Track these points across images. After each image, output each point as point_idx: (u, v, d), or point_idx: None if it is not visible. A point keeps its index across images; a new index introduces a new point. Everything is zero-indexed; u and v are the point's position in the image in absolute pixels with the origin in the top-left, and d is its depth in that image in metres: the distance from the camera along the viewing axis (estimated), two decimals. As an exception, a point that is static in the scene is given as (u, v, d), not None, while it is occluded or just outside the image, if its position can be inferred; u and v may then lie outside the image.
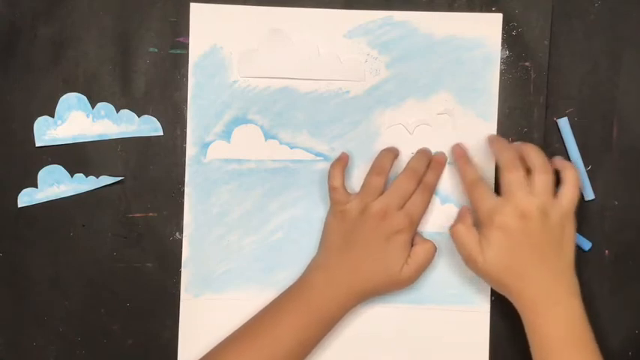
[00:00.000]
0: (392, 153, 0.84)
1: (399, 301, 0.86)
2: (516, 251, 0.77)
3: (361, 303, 0.83)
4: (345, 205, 0.82)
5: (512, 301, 0.79)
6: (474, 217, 0.81)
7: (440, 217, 0.85)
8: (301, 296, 0.82)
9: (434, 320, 0.85)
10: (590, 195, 0.85)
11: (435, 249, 0.83)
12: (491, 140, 0.83)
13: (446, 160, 0.85)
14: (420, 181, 0.83)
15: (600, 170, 0.85)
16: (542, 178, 0.78)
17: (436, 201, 0.85)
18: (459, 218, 0.82)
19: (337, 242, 0.82)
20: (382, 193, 0.82)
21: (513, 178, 0.78)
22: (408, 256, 0.82)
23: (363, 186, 0.83)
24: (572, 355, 0.76)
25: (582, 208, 0.85)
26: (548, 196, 0.78)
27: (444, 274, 0.85)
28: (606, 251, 0.85)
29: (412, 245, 0.83)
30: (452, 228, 0.81)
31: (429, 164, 0.84)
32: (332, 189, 0.83)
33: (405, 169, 0.84)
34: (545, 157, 0.79)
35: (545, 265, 0.77)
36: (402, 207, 0.82)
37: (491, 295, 0.85)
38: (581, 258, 0.85)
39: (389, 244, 0.81)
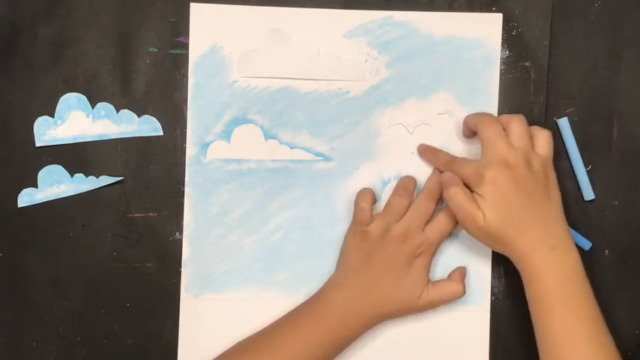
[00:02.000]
0: (414, 179, 0.84)
1: (399, 301, 0.86)
2: (510, 201, 0.77)
3: (377, 325, 0.83)
4: (368, 226, 0.82)
5: (509, 256, 0.79)
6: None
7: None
8: (318, 313, 0.82)
9: (434, 320, 0.85)
10: (590, 195, 0.85)
11: (464, 293, 0.83)
12: (466, 118, 0.83)
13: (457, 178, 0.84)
14: (438, 200, 0.83)
15: (600, 170, 0.85)
16: (518, 128, 0.79)
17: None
18: (450, 182, 0.80)
19: (357, 262, 0.82)
20: (404, 215, 0.82)
21: (492, 130, 0.78)
22: (429, 281, 0.82)
23: (386, 207, 0.83)
24: (571, 299, 0.76)
25: (582, 208, 0.85)
26: (527, 145, 0.78)
27: (445, 274, 0.85)
28: (606, 251, 0.85)
29: (448, 276, 0.84)
30: (446, 192, 0.80)
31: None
32: (359, 208, 0.83)
33: (424, 189, 0.84)
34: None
35: (537, 211, 0.77)
36: (422, 229, 0.82)
37: (492, 295, 0.85)
38: (581, 258, 0.85)
39: (408, 269, 0.81)
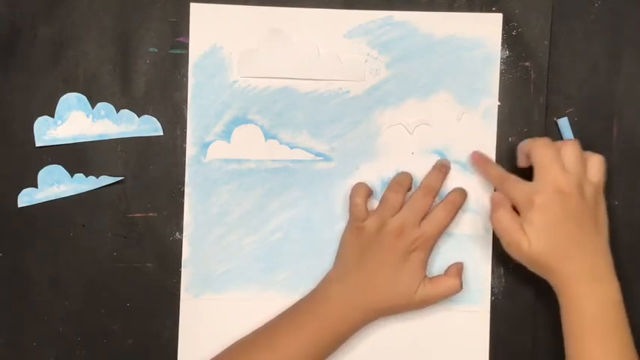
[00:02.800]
0: (409, 174, 0.84)
1: (399, 301, 0.86)
2: (559, 230, 0.76)
3: (375, 320, 0.83)
4: (364, 222, 0.82)
5: (551, 282, 0.78)
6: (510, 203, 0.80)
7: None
8: (316, 309, 0.82)
9: (435, 320, 0.85)
10: (590, 195, 0.85)
11: (460, 288, 0.83)
12: (520, 144, 0.82)
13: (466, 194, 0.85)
14: (434, 197, 0.83)
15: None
16: (572, 153, 0.78)
17: (437, 201, 0.85)
18: (498, 204, 0.80)
19: (354, 258, 0.82)
20: (400, 210, 0.82)
21: (545, 154, 0.78)
22: (425, 277, 0.82)
23: (381, 202, 0.83)
24: (608, 330, 0.75)
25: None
26: (581, 171, 0.78)
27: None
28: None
29: (445, 272, 0.84)
30: (493, 215, 0.79)
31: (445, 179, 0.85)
32: (353, 204, 0.83)
33: (421, 185, 0.84)
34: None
35: (584, 241, 0.77)
36: (419, 224, 0.82)
37: (492, 295, 0.85)
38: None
39: (405, 264, 0.81)
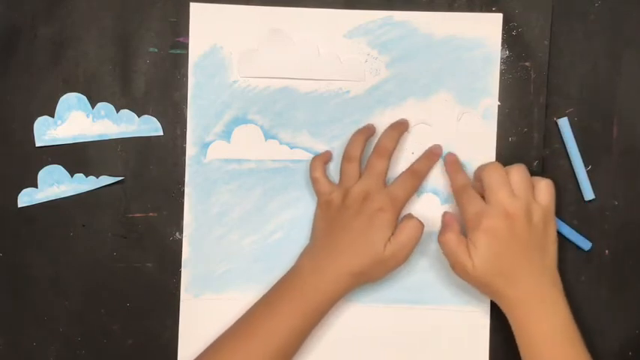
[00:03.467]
0: (360, 137, 0.84)
1: (400, 301, 0.86)
2: (503, 253, 0.78)
3: (353, 289, 0.82)
4: (330, 195, 0.83)
5: (498, 303, 0.80)
6: (459, 223, 0.81)
7: (440, 217, 0.85)
8: (291, 286, 0.82)
9: (434, 320, 0.85)
10: (590, 195, 0.85)
11: (422, 226, 0.82)
12: (475, 171, 0.83)
13: (442, 152, 0.85)
14: (389, 158, 0.83)
15: (600, 170, 0.85)
16: (519, 177, 0.79)
17: (436, 201, 0.85)
18: (446, 226, 0.81)
19: (323, 230, 0.83)
20: (359, 177, 0.83)
21: (494, 178, 0.78)
22: (392, 234, 0.81)
23: (341, 174, 0.84)
24: (560, 351, 0.76)
25: (582, 208, 0.85)
26: (529, 195, 0.78)
27: (444, 274, 0.85)
28: (606, 251, 0.85)
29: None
30: (441, 237, 0.81)
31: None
32: (314, 180, 0.84)
33: (375, 149, 0.84)
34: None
35: (530, 264, 0.78)
36: (382, 187, 0.82)
37: (492, 295, 0.85)
38: (581, 258, 0.85)
39: (371, 223, 0.81)
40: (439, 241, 0.81)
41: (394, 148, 0.84)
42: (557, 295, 0.78)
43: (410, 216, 0.83)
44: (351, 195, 0.82)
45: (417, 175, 0.84)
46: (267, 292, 0.83)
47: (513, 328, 0.79)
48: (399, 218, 0.83)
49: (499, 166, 0.80)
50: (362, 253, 0.81)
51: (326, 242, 0.82)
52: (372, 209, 0.81)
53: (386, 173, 0.83)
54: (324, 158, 0.85)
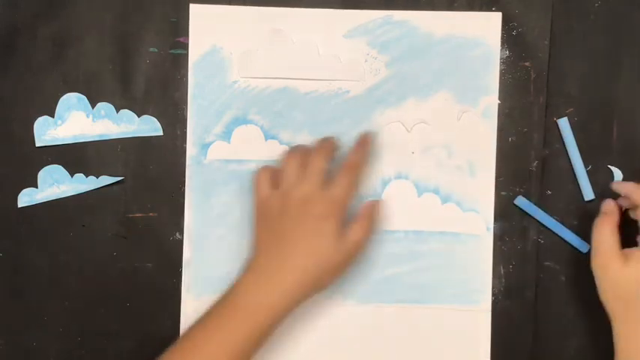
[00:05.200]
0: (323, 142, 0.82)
1: (400, 301, 0.86)
2: None
3: (301, 303, 0.78)
4: (267, 201, 0.80)
5: (618, 326, 0.77)
6: (618, 215, 0.79)
7: (440, 217, 0.85)
8: (231, 304, 0.77)
9: (435, 320, 0.85)
10: (590, 195, 0.85)
11: (378, 202, 0.80)
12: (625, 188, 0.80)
13: (371, 138, 0.83)
14: (331, 157, 0.80)
15: (600, 170, 0.85)
16: None
17: (436, 201, 0.85)
18: (607, 214, 0.78)
19: (264, 241, 0.79)
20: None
21: None
22: (341, 234, 0.78)
23: (280, 178, 0.80)
24: None
25: (582, 208, 0.85)
26: None
27: (445, 274, 0.85)
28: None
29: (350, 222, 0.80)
30: (598, 222, 0.78)
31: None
32: (254, 184, 0.81)
33: (314, 149, 0.81)
34: None
35: None
36: (320, 188, 0.78)
37: (492, 295, 0.85)
38: (581, 258, 0.85)
39: (315, 231, 0.77)
40: (595, 224, 0.78)
41: (335, 149, 0.81)
42: None
43: (363, 217, 0.80)
44: (290, 200, 0.78)
45: (350, 168, 0.80)
46: (205, 312, 0.78)
47: (620, 345, 0.76)
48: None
49: None
50: (316, 262, 0.77)
51: (270, 256, 0.78)
52: (315, 216, 0.78)
53: (324, 172, 0.79)
54: (272, 169, 0.81)
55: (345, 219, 0.79)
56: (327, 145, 0.81)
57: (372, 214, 0.82)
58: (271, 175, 0.81)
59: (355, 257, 0.80)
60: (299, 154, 0.80)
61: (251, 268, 0.79)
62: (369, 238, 0.81)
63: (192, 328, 0.78)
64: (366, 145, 0.83)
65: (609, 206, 0.79)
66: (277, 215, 0.79)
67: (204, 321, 0.78)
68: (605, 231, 0.77)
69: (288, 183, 0.79)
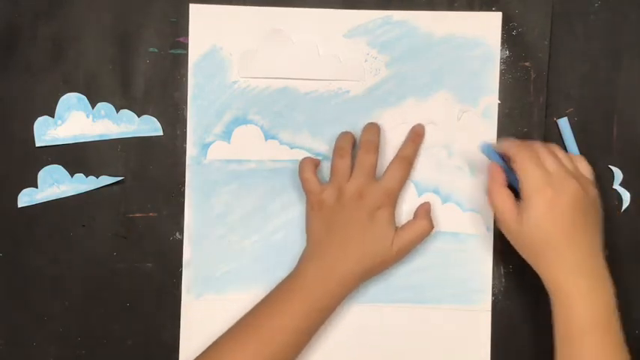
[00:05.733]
0: (349, 134, 0.84)
1: (400, 301, 0.86)
2: (555, 224, 0.76)
3: (358, 286, 0.83)
4: (321, 195, 0.82)
5: (539, 273, 0.78)
6: (505, 178, 0.80)
7: (441, 216, 0.85)
8: (296, 287, 0.81)
9: (435, 320, 0.85)
10: (590, 195, 0.85)
11: (431, 226, 0.83)
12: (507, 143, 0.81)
13: (424, 131, 0.85)
14: (377, 151, 0.83)
15: (600, 170, 0.85)
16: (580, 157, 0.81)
17: (437, 201, 0.85)
18: (494, 178, 0.80)
19: (321, 232, 0.82)
20: (352, 174, 0.82)
21: (559, 152, 0.79)
22: (396, 228, 0.82)
23: (332, 172, 0.83)
24: (599, 328, 0.75)
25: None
26: (583, 176, 0.79)
27: (445, 274, 0.85)
28: (606, 251, 0.85)
29: (414, 217, 0.84)
30: (491, 188, 0.79)
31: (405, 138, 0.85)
32: (304, 180, 0.83)
33: (360, 144, 0.84)
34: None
35: (580, 239, 0.76)
36: (373, 182, 0.82)
37: (492, 295, 0.85)
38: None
39: (373, 223, 0.81)
40: (488, 191, 0.80)
41: (379, 142, 0.84)
42: (603, 273, 0.77)
43: (423, 214, 0.84)
44: (346, 194, 0.82)
45: (405, 161, 0.84)
46: (269, 294, 0.83)
47: (554, 301, 0.77)
48: (404, 217, 0.84)
49: (535, 145, 0.79)
50: (370, 253, 0.81)
51: (329, 246, 0.82)
52: (371, 207, 0.81)
53: (375, 167, 0.83)
54: (315, 160, 0.84)
55: (395, 207, 0.83)
56: (374, 138, 0.84)
57: (428, 214, 0.84)
58: (315, 168, 0.84)
59: (409, 251, 0.83)
60: (348, 148, 0.83)
61: (312, 257, 0.83)
62: (423, 237, 0.83)
63: (254, 309, 0.82)
64: (418, 138, 0.85)
65: (495, 169, 0.80)
66: (332, 208, 0.82)
67: (265, 302, 0.82)
68: (499, 193, 0.79)
69: (343, 177, 0.82)
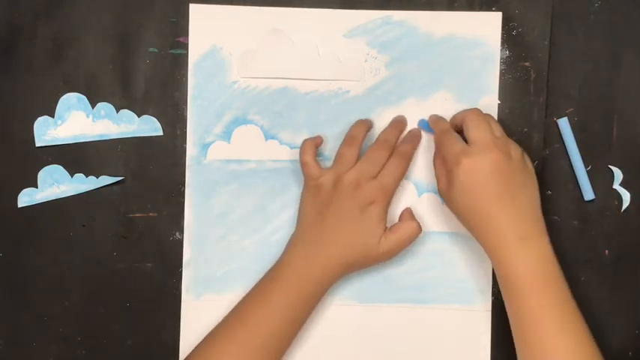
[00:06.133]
0: (365, 124, 0.84)
1: (401, 301, 0.86)
2: (482, 190, 0.77)
3: (342, 277, 0.83)
4: (319, 179, 0.82)
5: (477, 240, 0.79)
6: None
7: (441, 216, 0.85)
8: (280, 275, 0.81)
9: (435, 320, 0.85)
10: (590, 195, 0.85)
11: (420, 229, 0.83)
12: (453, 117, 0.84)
13: (421, 134, 0.86)
14: (391, 152, 0.83)
15: (600, 170, 0.85)
16: (494, 120, 0.81)
17: (437, 201, 0.85)
18: (437, 149, 0.83)
19: (312, 216, 0.82)
20: (355, 164, 0.82)
21: (476, 118, 0.79)
22: (386, 228, 0.82)
23: (336, 158, 0.83)
24: (540, 288, 0.75)
25: (582, 208, 0.85)
26: (504, 134, 0.79)
27: (445, 274, 0.85)
28: (606, 251, 0.85)
29: (398, 220, 0.84)
30: (434, 159, 0.83)
31: (401, 136, 0.85)
32: (304, 164, 0.83)
33: (377, 139, 0.84)
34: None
35: (511, 201, 0.77)
36: (375, 177, 0.82)
37: (492, 295, 0.85)
38: (581, 258, 0.85)
39: (363, 216, 0.81)
40: (434, 161, 0.83)
41: (395, 144, 0.84)
42: (538, 233, 0.77)
43: (410, 216, 0.84)
44: (343, 182, 0.81)
45: (403, 158, 0.84)
46: (257, 283, 0.83)
47: (493, 265, 0.78)
48: (400, 214, 0.85)
49: (479, 110, 0.80)
50: (354, 247, 0.81)
51: (317, 232, 0.81)
52: (364, 201, 0.81)
53: (382, 166, 0.82)
54: (316, 142, 0.84)
55: (388, 204, 0.83)
56: (392, 139, 0.84)
57: (414, 216, 0.85)
58: (316, 149, 0.83)
59: (398, 251, 0.83)
60: (360, 138, 0.83)
61: (298, 240, 0.83)
62: (412, 239, 0.83)
63: (242, 300, 0.82)
64: (415, 139, 0.85)
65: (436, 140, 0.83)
66: (328, 194, 0.82)
67: (252, 293, 0.82)
68: (436, 160, 0.82)
69: (345, 165, 0.82)
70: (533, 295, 0.75)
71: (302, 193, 0.84)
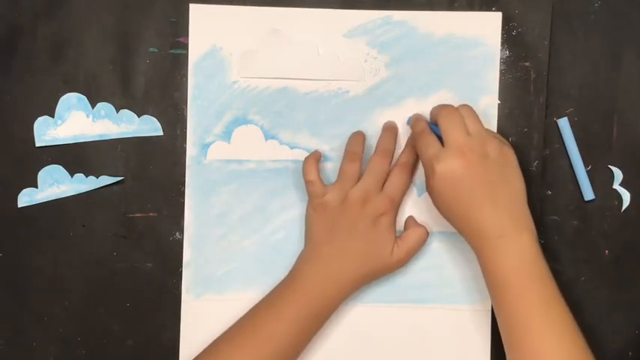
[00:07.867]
0: (361, 137, 0.84)
1: (401, 301, 0.86)
2: (459, 195, 0.77)
3: (354, 292, 0.83)
4: (324, 197, 0.82)
5: (466, 241, 0.79)
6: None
7: (440, 217, 0.85)
8: (294, 291, 0.82)
9: (435, 319, 0.85)
10: (590, 195, 0.85)
11: (427, 234, 0.84)
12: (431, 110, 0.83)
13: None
14: (392, 158, 0.84)
15: (600, 170, 0.85)
16: (472, 114, 0.79)
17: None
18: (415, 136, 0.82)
19: (322, 234, 0.82)
20: (359, 178, 0.82)
21: (448, 119, 0.78)
22: (397, 237, 0.83)
23: (340, 175, 0.83)
24: (525, 284, 0.75)
25: (582, 208, 0.85)
26: (483, 131, 0.78)
27: (445, 274, 0.85)
28: (606, 251, 0.85)
29: (404, 229, 0.84)
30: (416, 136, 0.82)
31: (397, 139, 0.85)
32: (308, 182, 0.83)
33: (377, 150, 0.84)
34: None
35: (492, 200, 0.76)
36: (381, 189, 0.82)
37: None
38: (581, 258, 0.85)
39: (375, 229, 0.82)
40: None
41: (394, 151, 0.84)
42: (519, 229, 0.76)
43: (415, 223, 0.84)
44: (350, 199, 0.81)
45: (407, 168, 0.84)
46: (267, 296, 0.83)
47: (480, 264, 0.78)
48: (403, 221, 0.85)
49: (452, 107, 0.80)
50: (371, 260, 0.82)
51: (330, 249, 0.82)
52: (374, 215, 0.82)
53: (386, 175, 0.83)
54: (317, 158, 0.84)
55: (396, 214, 0.84)
56: (391, 146, 0.84)
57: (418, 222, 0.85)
58: (317, 165, 0.83)
59: (409, 259, 0.84)
60: (360, 152, 0.83)
61: (309, 257, 0.83)
62: (422, 244, 0.84)
63: (252, 312, 0.83)
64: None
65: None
66: (335, 212, 0.82)
67: (263, 306, 0.83)
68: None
69: (350, 181, 0.82)
70: (516, 293, 0.75)
71: (307, 211, 0.84)
